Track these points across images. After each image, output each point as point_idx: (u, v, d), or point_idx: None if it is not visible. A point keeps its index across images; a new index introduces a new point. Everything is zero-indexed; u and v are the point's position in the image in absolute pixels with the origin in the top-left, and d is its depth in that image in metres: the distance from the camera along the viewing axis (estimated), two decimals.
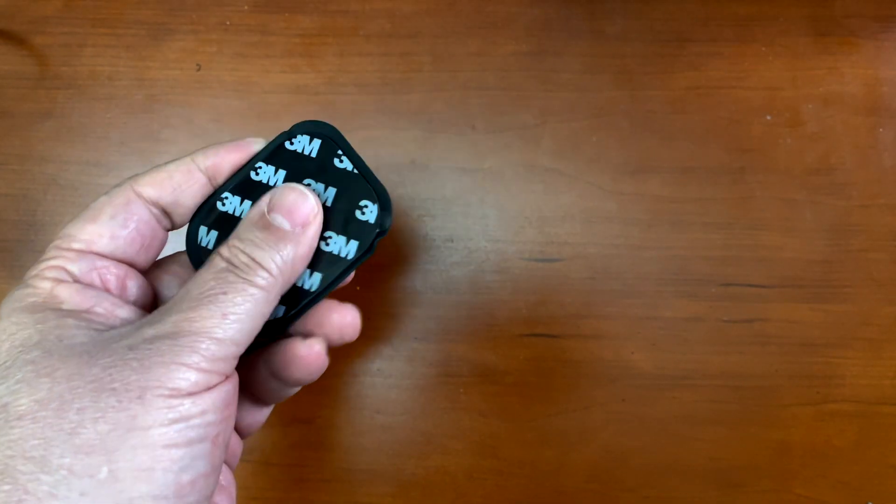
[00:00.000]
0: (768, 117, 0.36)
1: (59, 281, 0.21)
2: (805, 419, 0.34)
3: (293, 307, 0.23)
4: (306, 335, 0.23)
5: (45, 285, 0.20)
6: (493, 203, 0.35)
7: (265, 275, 0.20)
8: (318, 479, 0.34)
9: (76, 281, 0.21)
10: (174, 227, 0.24)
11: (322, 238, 0.23)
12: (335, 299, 0.24)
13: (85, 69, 0.37)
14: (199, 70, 0.37)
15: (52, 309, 0.20)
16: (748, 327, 0.34)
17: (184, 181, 0.23)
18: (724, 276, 0.35)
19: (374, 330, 0.35)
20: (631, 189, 0.35)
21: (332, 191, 0.24)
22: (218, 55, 0.37)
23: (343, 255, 0.24)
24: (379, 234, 0.24)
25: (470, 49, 0.37)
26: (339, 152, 0.25)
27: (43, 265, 0.21)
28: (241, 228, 0.22)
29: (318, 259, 0.23)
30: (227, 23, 0.37)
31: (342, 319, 0.24)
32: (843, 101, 0.36)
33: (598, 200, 0.35)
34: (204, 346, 0.18)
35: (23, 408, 0.17)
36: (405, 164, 0.36)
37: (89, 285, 0.21)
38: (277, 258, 0.21)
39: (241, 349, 0.20)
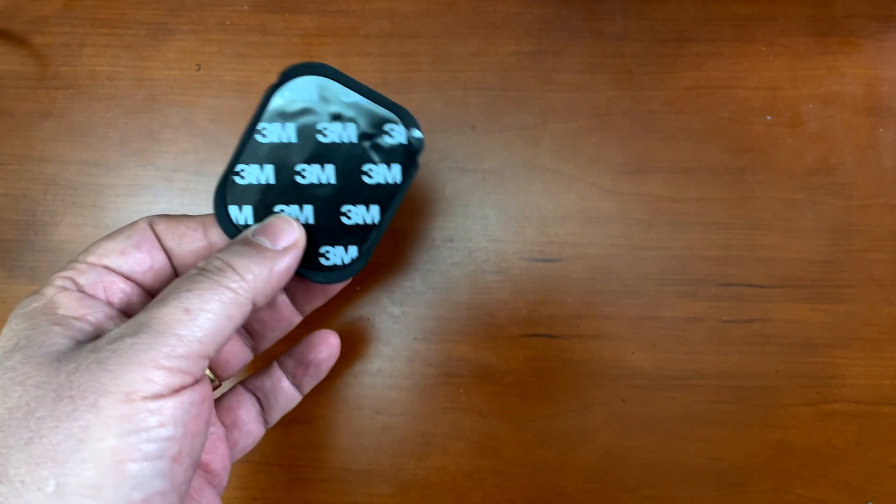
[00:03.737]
0: (768, 117, 0.36)
1: (63, 289, 0.21)
2: (805, 419, 0.34)
3: (364, 243, 0.24)
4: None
5: (49, 292, 0.21)
6: (493, 203, 0.35)
7: (236, 277, 0.20)
8: (318, 479, 0.34)
9: (80, 290, 0.21)
10: (177, 275, 0.24)
11: (363, 173, 0.24)
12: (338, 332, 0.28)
13: (85, 69, 0.37)
14: (198, 70, 0.37)
15: (47, 314, 0.20)
16: (748, 327, 0.34)
17: (186, 233, 0.24)
18: (724, 276, 0.35)
19: (374, 330, 0.35)
20: (631, 189, 0.35)
21: (351, 127, 0.24)
22: (218, 55, 0.37)
23: (390, 181, 0.24)
24: (416, 151, 0.25)
25: (470, 49, 0.37)
26: (342, 88, 0.24)
27: (56, 276, 0.21)
28: (224, 246, 0.22)
29: (370, 193, 0.24)
30: (227, 23, 0.37)
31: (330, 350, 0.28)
32: (844, 101, 0.36)
33: (598, 200, 0.35)
34: (164, 341, 0.18)
35: None
36: None
37: (91, 296, 0.21)
38: (253, 266, 0.21)
39: (208, 350, 0.19)
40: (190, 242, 0.24)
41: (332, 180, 0.24)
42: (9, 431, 0.17)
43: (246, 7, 0.37)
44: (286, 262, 0.22)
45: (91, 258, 0.22)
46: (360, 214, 0.24)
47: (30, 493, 0.16)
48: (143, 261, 0.23)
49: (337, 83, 0.24)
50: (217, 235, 0.24)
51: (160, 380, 0.18)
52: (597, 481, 0.34)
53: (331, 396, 0.34)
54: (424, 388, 0.34)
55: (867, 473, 0.34)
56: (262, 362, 0.29)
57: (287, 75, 0.24)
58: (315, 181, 0.24)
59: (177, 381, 0.18)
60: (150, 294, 0.23)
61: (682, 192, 0.35)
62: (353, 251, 0.24)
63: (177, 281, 0.20)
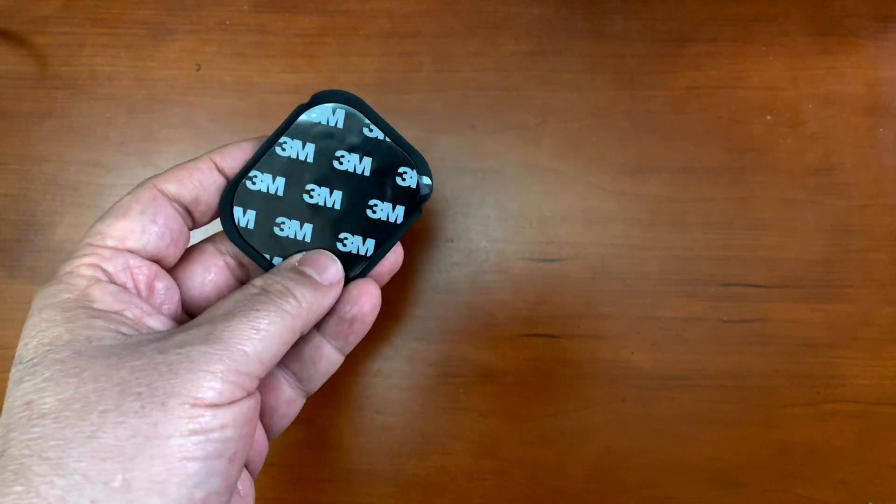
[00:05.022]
0: (768, 117, 0.36)
1: (95, 280, 0.20)
2: (805, 419, 0.34)
3: (351, 272, 0.25)
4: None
5: (80, 282, 0.20)
6: (493, 203, 0.35)
7: (295, 304, 0.21)
8: (318, 480, 0.34)
9: (111, 280, 0.21)
10: (195, 225, 0.24)
11: (368, 206, 0.25)
12: None
13: (84, 69, 0.37)
14: (198, 70, 0.37)
15: (84, 307, 0.20)
16: (748, 327, 0.34)
17: (204, 178, 0.24)
18: (724, 275, 0.35)
19: (374, 330, 0.35)
20: (631, 189, 0.35)
21: (367, 161, 0.25)
22: (218, 55, 0.37)
23: (392, 220, 0.25)
24: (423, 198, 0.25)
25: (470, 49, 0.37)
26: (367, 121, 0.25)
27: (77, 262, 0.21)
28: (275, 270, 0.23)
29: (370, 227, 0.25)
30: (227, 23, 0.37)
31: (395, 256, 0.27)
32: (844, 101, 0.36)
33: (598, 200, 0.35)
34: (232, 356, 0.19)
35: (47, 406, 0.17)
36: None
37: (122, 287, 0.21)
38: (308, 295, 0.22)
39: (265, 370, 0.20)
40: (212, 184, 0.24)
41: (338, 206, 0.25)
42: (66, 423, 0.17)
43: (246, 7, 0.37)
44: (331, 298, 0.23)
45: (111, 242, 0.21)
46: (355, 244, 0.25)
47: (94, 488, 0.16)
48: (163, 235, 0.22)
49: (364, 116, 0.25)
50: (230, 161, 0.24)
51: (224, 391, 0.18)
52: (597, 481, 0.34)
53: (331, 396, 0.34)
54: (424, 388, 0.34)
55: (867, 473, 0.34)
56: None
57: (318, 98, 0.25)
58: (321, 203, 0.25)
59: (237, 394, 0.19)
60: (169, 269, 0.24)
61: (682, 192, 0.35)
62: None
63: (239, 296, 0.21)
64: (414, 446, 0.34)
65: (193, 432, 0.17)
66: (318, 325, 0.25)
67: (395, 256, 0.27)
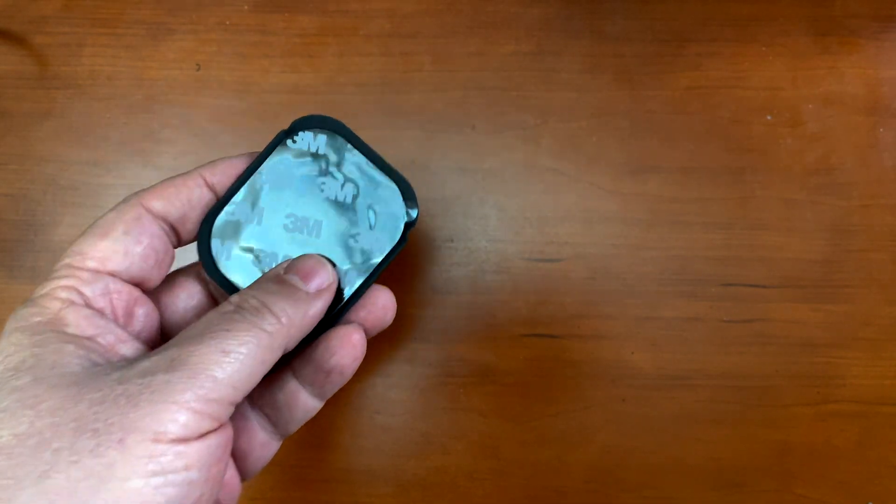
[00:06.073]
0: (769, 117, 0.36)
1: (70, 303, 0.19)
2: (805, 419, 0.34)
3: (332, 308, 0.23)
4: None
5: (54, 305, 0.19)
6: (493, 203, 0.35)
7: (273, 320, 0.19)
8: (318, 480, 0.34)
9: (87, 305, 0.20)
10: (181, 243, 0.23)
11: (350, 236, 0.23)
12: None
13: (84, 69, 0.37)
14: (198, 70, 0.37)
15: (55, 331, 0.19)
16: (748, 327, 0.34)
17: (193, 196, 0.23)
18: (724, 276, 0.35)
19: None
20: (631, 189, 0.35)
21: (349, 187, 0.24)
22: (218, 55, 0.37)
23: (375, 250, 0.24)
24: (408, 225, 0.24)
25: (470, 49, 0.37)
26: (349, 146, 0.24)
27: (54, 284, 0.20)
28: (255, 282, 0.21)
29: (351, 256, 0.23)
30: (227, 22, 0.37)
31: (386, 300, 0.24)
32: (844, 101, 0.36)
33: (598, 200, 0.35)
34: (200, 382, 0.17)
35: (1, 441, 0.16)
36: (405, 164, 0.36)
37: (99, 312, 0.20)
38: (289, 309, 0.20)
39: (238, 396, 0.18)
40: (200, 201, 0.23)
41: (318, 235, 0.23)
42: (18, 461, 0.16)
43: (246, 7, 0.37)
44: (318, 307, 0.21)
45: (92, 263, 0.20)
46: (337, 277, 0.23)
47: None
48: (147, 256, 0.21)
49: (346, 141, 0.24)
50: (220, 177, 0.23)
51: (191, 423, 0.17)
52: (597, 481, 0.34)
53: (331, 396, 0.34)
54: (424, 389, 0.34)
55: (867, 473, 0.34)
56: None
57: (299, 124, 0.24)
58: (301, 233, 0.23)
59: (205, 425, 0.17)
60: (151, 292, 0.23)
61: (683, 192, 0.35)
62: None
63: (211, 315, 0.19)
64: (414, 446, 0.34)
65: (153, 473, 0.16)
66: (294, 370, 0.23)
67: (384, 300, 0.24)
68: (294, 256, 0.23)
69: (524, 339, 0.34)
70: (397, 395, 0.34)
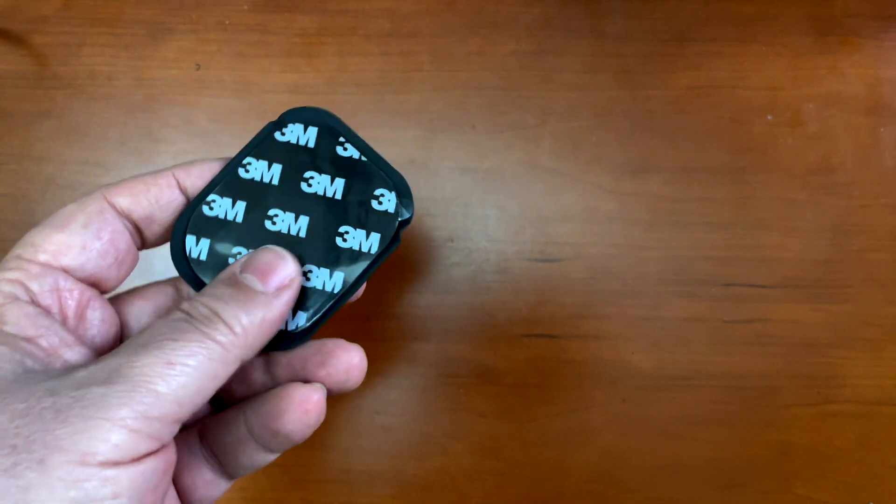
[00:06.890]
0: (769, 117, 0.36)
1: (13, 298, 0.18)
2: (806, 420, 0.34)
3: (316, 312, 0.21)
4: (305, 380, 0.21)
5: None
6: (493, 203, 0.35)
7: (225, 330, 0.17)
8: (318, 480, 0.34)
9: (32, 301, 0.18)
10: (145, 245, 0.22)
11: (339, 234, 0.22)
12: (341, 338, 0.22)
13: (84, 69, 0.37)
14: (198, 70, 0.37)
15: None
16: (749, 327, 0.34)
17: (162, 195, 0.21)
18: (724, 276, 0.35)
19: (374, 330, 0.35)
20: (631, 189, 0.35)
21: (339, 182, 0.22)
22: (217, 55, 0.37)
23: (365, 249, 0.22)
24: (402, 224, 0.22)
25: (470, 49, 0.37)
26: (342, 140, 0.23)
27: (0, 276, 0.18)
28: (208, 285, 0.19)
29: (338, 257, 0.22)
30: (227, 22, 0.37)
31: (350, 360, 0.21)
32: (844, 101, 0.36)
33: (598, 200, 0.35)
34: (139, 398, 0.15)
35: None
36: (405, 164, 0.36)
37: (44, 310, 0.18)
38: (242, 317, 0.18)
39: (184, 413, 0.16)
40: (169, 202, 0.21)
41: (303, 234, 0.22)
42: None
43: (246, 7, 0.37)
44: (279, 308, 0.19)
45: (44, 257, 0.19)
46: (321, 278, 0.21)
47: None
48: (106, 253, 0.20)
49: (339, 134, 0.23)
50: (195, 179, 0.21)
51: (125, 444, 0.15)
52: (597, 482, 0.34)
53: (330, 397, 0.34)
54: (424, 389, 0.34)
55: (868, 474, 0.34)
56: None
57: (289, 116, 0.23)
58: (284, 230, 0.22)
59: (143, 447, 0.15)
60: (109, 293, 0.21)
61: (683, 192, 0.35)
62: (302, 318, 0.21)
63: (158, 323, 0.17)
64: (414, 447, 0.34)
65: (74, 501, 0.14)
66: (245, 415, 0.21)
67: (348, 360, 0.21)
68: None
69: (524, 339, 0.34)
70: (397, 395, 0.34)
